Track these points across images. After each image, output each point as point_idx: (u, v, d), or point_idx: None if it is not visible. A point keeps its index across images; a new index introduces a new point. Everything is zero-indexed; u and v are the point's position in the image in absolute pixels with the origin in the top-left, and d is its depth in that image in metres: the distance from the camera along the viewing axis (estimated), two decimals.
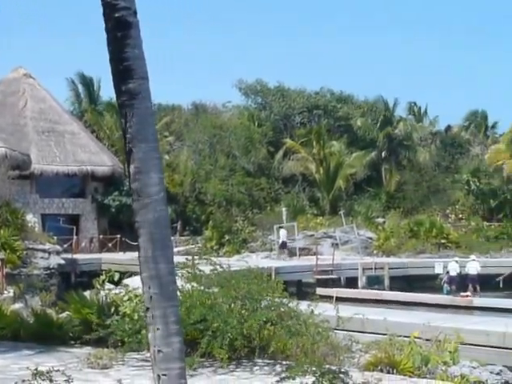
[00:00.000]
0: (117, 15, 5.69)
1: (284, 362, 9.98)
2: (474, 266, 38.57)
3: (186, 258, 13.00)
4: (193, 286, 11.89)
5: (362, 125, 62.63)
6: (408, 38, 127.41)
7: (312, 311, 10.32)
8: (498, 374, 11.88)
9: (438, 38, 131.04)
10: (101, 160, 49.63)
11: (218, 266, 12.13)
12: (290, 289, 31.82)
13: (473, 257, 40.11)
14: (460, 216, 53.26)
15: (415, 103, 69.41)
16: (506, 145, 55.85)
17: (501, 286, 41.02)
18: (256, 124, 63.22)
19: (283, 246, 45.23)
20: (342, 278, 40.80)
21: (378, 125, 61.81)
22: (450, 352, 11.91)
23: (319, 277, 39.00)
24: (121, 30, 5.68)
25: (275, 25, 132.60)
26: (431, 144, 65.39)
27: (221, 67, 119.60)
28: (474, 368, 11.77)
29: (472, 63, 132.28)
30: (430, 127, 68.24)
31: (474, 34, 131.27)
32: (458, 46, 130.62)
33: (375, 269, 40.79)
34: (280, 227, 46.66)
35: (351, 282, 39.98)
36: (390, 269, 40.85)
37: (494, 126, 70.24)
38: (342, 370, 7.77)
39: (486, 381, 11.30)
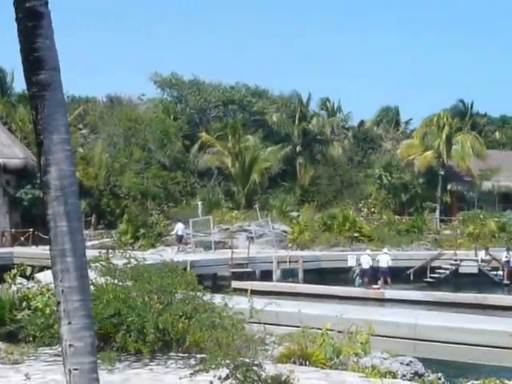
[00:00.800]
0: (28, 5, 5.60)
1: (198, 355, 9.99)
2: (385, 259, 39.34)
3: (100, 252, 12.87)
4: (107, 280, 11.78)
5: (277, 120, 63.04)
6: (323, 34, 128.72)
7: (226, 304, 10.36)
8: (407, 364, 12.13)
9: (353, 35, 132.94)
10: (13, 152, 48.63)
11: (132, 260, 12.05)
12: (206, 282, 31.86)
13: (385, 250, 40.91)
14: (372, 210, 54.21)
15: (328, 99, 70.25)
16: (419, 140, 57.09)
17: (411, 278, 41.96)
18: (171, 117, 62.92)
19: (180, 239, 45.01)
20: (256, 272, 41.04)
21: (293, 120, 62.32)
22: (362, 343, 12.13)
23: (234, 270, 39.14)
24: (32, 21, 5.59)
25: (191, 18, 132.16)
26: (344, 139, 66.30)
27: (136, 60, 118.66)
28: (385, 359, 12.00)
29: (384, 60, 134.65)
30: (342, 122, 69.19)
31: (389, 32, 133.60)
32: (373, 43, 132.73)
33: (290, 262, 41.16)
34: (178, 220, 46.62)
35: (266, 276, 40.26)
36: (304, 262, 41.28)
37: (407, 123, 71.66)
38: (256, 363, 7.83)
39: (397, 371, 11.53)
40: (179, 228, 45.14)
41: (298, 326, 13.03)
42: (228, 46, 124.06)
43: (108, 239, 46.97)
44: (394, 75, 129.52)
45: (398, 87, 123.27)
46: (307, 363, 10.65)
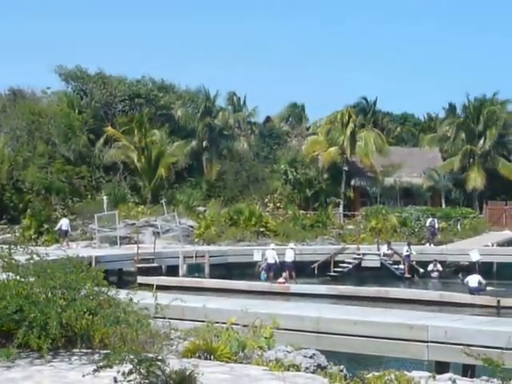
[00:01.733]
0: None
1: (103, 351, 9.92)
2: (290, 253, 39.81)
3: (1, 247, 12.61)
4: (8, 276, 11.56)
5: (182, 114, 62.81)
6: (230, 28, 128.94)
7: (131, 299, 10.31)
8: (311, 357, 12.31)
9: (259, 29, 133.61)
10: None
11: (34, 255, 11.85)
12: (111, 278, 31.55)
13: (291, 245, 41.39)
14: (278, 205, 54.71)
15: (235, 93, 70.42)
16: (321, 136, 57.89)
17: (315, 272, 42.58)
18: (76, 111, 61.92)
19: (65, 234, 44.37)
20: (163, 267, 40.89)
21: (199, 115, 62.23)
22: (266, 337, 12.26)
23: (140, 265, 38.89)
24: None
25: (97, 10, 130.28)
26: (251, 134, 66.63)
27: (40, 52, 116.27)
28: (289, 352, 12.15)
29: (293, 57, 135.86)
30: (249, 118, 69.50)
31: (295, 29, 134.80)
32: (277, 39, 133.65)
33: (196, 257, 41.19)
34: (63, 216, 46.18)
35: (172, 271, 40.17)
36: (210, 257, 41.36)
37: (312, 121, 72.45)
38: (159, 358, 7.85)
39: (300, 364, 11.68)
40: (63, 223, 44.52)
41: (204, 321, 13.07)
42: (134, 40, 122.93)
43: (10, 234, 45.97)
44: (301, 72, 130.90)
45: (304, 84, 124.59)
46: (212, 357, 10.70)
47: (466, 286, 34.85)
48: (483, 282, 35.75)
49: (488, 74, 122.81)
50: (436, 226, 48.33)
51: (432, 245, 47.13)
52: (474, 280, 35.39)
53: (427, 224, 48.67)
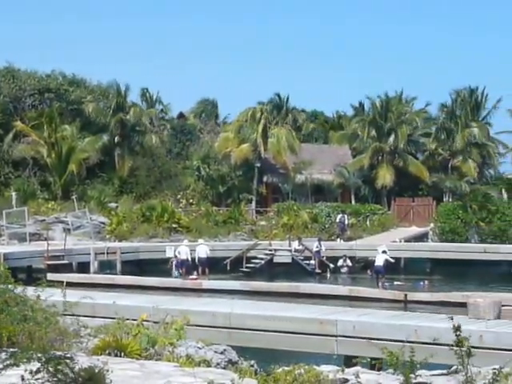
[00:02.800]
0: None
1: (10, 350, 9.75)
2: (203, 249, 39.85)
3: None
4: None
5: (93, 109, 62.00)
6: (141, 23, 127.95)
7: (38, 296, 10.17)
8: (221, 353, 12.41)
9: (170, 26, 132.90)
10: None
11: None
12: (20, 275, 30.99)
13: (201, 240, 41.43)
14: (190, 201, 54.58)
15: (147, 89, 69.95)
16: (233, 133, 58.03)
17: (228, 268, 42.73)
18: None
19: None
20: (73, 264, 40.32)
21: (111, 110, 61.54)
22: (177, 333, 12.29)
23: (50, 262, 38.26)
24: None
25: (5, 1, 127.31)
26: (163, 130, 66.29)
27: None
28: (200, 348, 12.22)
29: (205, 53, 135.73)
30: (161, 114, 69.11)
31: (208, 26, 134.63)
32: (196, 36, 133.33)
33: (107, 253, 40.78)
34: None
35: (83, 267, 39.69)
36: (122, 253, 41.02)
37: (225, 117, 72.49)
38: (68, 355, 7.77)
39: (211, 360, 11.76)
40: None
41: (114, 318, 13.01)
42: (44, 33, 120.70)
43: None
44: (214, 68, 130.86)
45: (217, 80, 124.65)
46: (122, 354, 10.66)
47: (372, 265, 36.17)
48: (391, 260, 36.63)
49: (398, 72, 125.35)
50: (346, 222, 49.08)
51: (342, 240, 47.85)
52: (380, 259, 36.20)
53: (337, 220, 49.40)
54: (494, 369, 7.06)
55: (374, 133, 59.04)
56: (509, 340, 15.52)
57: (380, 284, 35.36)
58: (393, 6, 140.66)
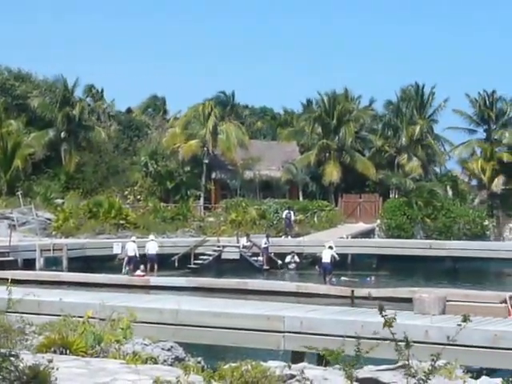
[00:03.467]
0: None
1: None
2: (153, 245, 39.67)
3: None
4: None
5: (39, 104, 61.19)
6: (88, 19, 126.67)
7: None
8: (168, 350, 12.36)
9: (118, 23, 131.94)
10: None
11: None
12: None
13: (151, 237, 41.22)
14: (138, 197, 54.27)
15: (93, 85, 69.30)
16: (181, 129, 57.80)
17: (176, 265, 42.59)
18: None
19: None
20: (19, 260, 39.73)
21: (58, 105, 60.81)
22: (123, 330, 12.21)
23: None
24: None
25: None
26: (110, 126, 65.74)
27: None
28: (147, 345, 12.16)
29: (152, 49, 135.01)
30: (108, 109, 68.53)
31: (155, 22, 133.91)
32: (139, 32, 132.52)
33: (53, 250, 40.32)
34: None
35: (29, 264, 39.15)
36: (68, 250, 40.59)
37: (176, 113, 72.03)
38: (12, 353, 7.68)
39: (158, 357, 11.71)
40: None
41: (60, 315, 12.89)
42: None
43: None
44: (162, 65, 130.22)
45: (166, 76, 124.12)
46: (68, 352, 10.56)
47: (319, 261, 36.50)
48: (336, 256, 36.96)
49: (348, 69, 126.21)
50: (292, 218, 49.26)
51: (290, 237, 48.05)
52: (327, 255, 36.48)
53: (283, 216, 49.58)
54: (432, 359, 7.15)
55: (320, 130, 59.33)
56: (453, 335, 15.75)
57: (327, 280, 35.60)
58: (337, 2, 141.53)
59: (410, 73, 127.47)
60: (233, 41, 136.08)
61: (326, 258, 36.53)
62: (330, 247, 37.36)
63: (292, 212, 49.69)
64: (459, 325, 7.52)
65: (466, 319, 7.41)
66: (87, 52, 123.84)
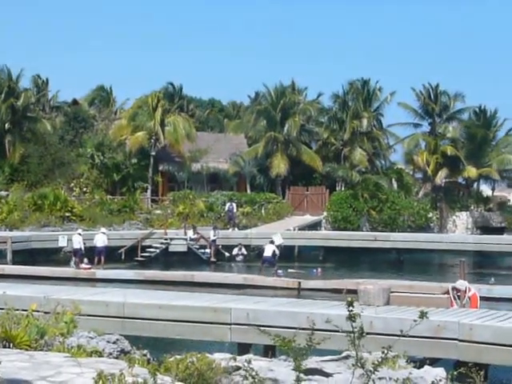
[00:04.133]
0: None
1: None
2: (101, 238, 39.37)
3: None
4: None
5: None
6: (38, 10, 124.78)
7: None
8: (114, 342, 12.30)
9: (65, 12, 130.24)
10: None
11: None
12: None
13: (103, 229, 40.83)
14: (84, 189, 53.75)
15: (39, 76, 68.31)
16: (128, 121, 57.39)
17: (123, 257, 42.34)
18: None
19: None
20: None
21: (1, 96, 59.84)
22: (66, 322, 12.12)
23: None
24: None
25: None
26: (56, 117, 64.94)
27: None
28: (92, 338, 12.08)
29: (97, 40, 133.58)
30: (54, 100, 67.69)
31: (101, 13, 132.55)
32: (83, 22, 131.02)
33: None
34: None
35: None
36: (13, 242, 40.04)
37: (122, 103, 71.37)
38: None
39: (103, 350, 11.66)
40: None
41: (3, 308, 12.74)
42: None
43: None
44: (108, 55, 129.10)
45: (112, 68, 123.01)
46: (11, 345, 10.45)
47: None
48: (277, 253, 37.31)
49: (296, 62, 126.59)
50: (234, 210, 49.25)
51: (236, 229, 48.10)
52: (269, 250, 36.83)
53: (226, 209, 49.61)
54: (383, 351, 7.26)
55: (267, 122, 59.43)
56: (396, 325, 15.98)
57: (273, 272, 35.75)
58: None
59: (359, 66, 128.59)
60: (182, 32, 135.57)
61: (268, 252, 37.10)
62: (272, 242, 37.87)
63: (234, 204, 49.74)
64: (415, 320, 7.64)
65: (422, 315, 7.52)
66: (33, 42, 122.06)
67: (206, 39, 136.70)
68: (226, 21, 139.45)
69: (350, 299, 7.42)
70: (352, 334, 7.21)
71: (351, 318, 7.12)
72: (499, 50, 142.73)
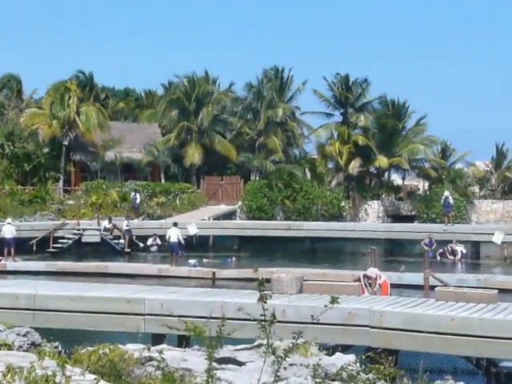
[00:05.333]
0: None
1: None
2: (9, 229, 38.59)
3: None
4: None
5: None
6: None
7: None
8: (24, 335, 12.17)
9: None
10: None
11: None
12: None
13: (8, 220, 40.04)
14: None
15: None
16: (40, 110, 56.29)
17: (34, 249, 41.61)
18: None
19: None
20: None
21: None
22: None
23: None
24: None
25: None
26: None
27: None
28: (1, 331, 11.91)
29: (6, 26, 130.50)
30: None
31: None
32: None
33: None
34: None
35: None
36: None
37: (32, 92, 69.86)
38: None
39: (13, 343, 11.50)
40: None
41: None
42: None
43: None
44: (18, 42, 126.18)
45: (21, 55, 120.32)
46: None
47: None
48: (182, 241, 37.21)
49: (206, 51, 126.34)
50: (138, 200, 48.70)
51: (140, 218, 47.75)
52: (173, 235, 36.48)
53: (131, 198, 49.12)
54: (293, 337, 7.38)
55: (180, 112, 59.17)
56: (308, 312, 16.21)
57: (180, 254, 35.90)
58: None
59: (273, 55, 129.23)
60: (95, 19, 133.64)
61: (173, 237, 36.67)
62: (175, 224, 37.48)
63: (138, 195, 49.28)
64: (326, 306, 7.77)
65: (333, 301, 7.66)
66: None
67: (123, 29, 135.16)
68: (139, 9, 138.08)
69: (261, 279, 7.50)
70: (263, 322, 7.30)
71: (262, 298, 7.20)
72: (414, 43, 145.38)
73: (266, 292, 7.38)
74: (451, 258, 40.77)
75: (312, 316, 8.09)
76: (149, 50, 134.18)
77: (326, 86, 61.24)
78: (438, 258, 40.78)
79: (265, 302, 7.22)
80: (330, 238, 46.46)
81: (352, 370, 7.57)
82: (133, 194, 49.20)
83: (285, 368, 7.30)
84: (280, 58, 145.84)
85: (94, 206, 47.91)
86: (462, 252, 41.00)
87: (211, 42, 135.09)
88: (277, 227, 47.48)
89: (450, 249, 41.18)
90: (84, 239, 43.53)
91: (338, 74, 61.15)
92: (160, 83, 68.96)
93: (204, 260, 38.03)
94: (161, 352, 7.59)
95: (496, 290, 18.88)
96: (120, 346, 10.66)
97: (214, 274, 32.46)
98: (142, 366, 9.74)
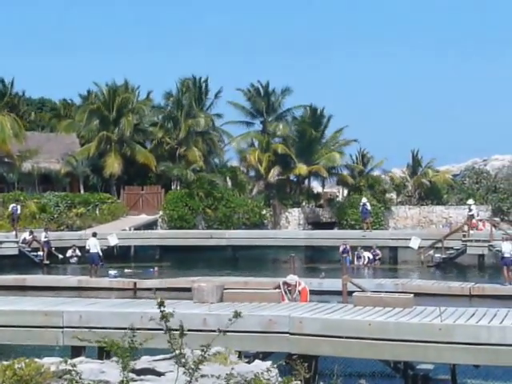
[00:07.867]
0: None
1: None
2: None
3: None
4: None
5: None
6: None
7: None
8: None
9: None
10: None
11: None
12: None
13: None
14: None
15: None
16: None
17: None
18: None
19: None
20: None
21: None
22: None
23: None
24: None
25: None
26: None
27: None
28: None
29: None
30: None
31: None
32: None
33: None
34: None
35: None
36: None
37: None
38: None
39: None
40: None
41: None
42: None
43: None
44: None
45: None
46: None
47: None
48: (100, 252, 36.40)
49: (124, 61, 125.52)
50: (18, 212, 46.24)
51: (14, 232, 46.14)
52: (92, 245, 35.58)
53: (9, 209, 47.27)
54: (202, 349, 7.43)
55: (100, 121, 58.58)
56: (229, 322, 16.28)
57: (100, 265, 35.29)
58: None
59: (193, 64, 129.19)
60: (13, 29, 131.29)
61: (93, 248, 34.83)
62: (94, 234, 36.75)
63: (18, 206, 46.71)
64: (235, 315, 7.86)
65: (237, 315, 7.77)
66: None
67: (37, 37, 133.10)
68: (55, 17, 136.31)
69: (160, 300, 7.59)
70: (174, 333, 7.36)
71: (164, 317, 7.28)
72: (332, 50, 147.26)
73: (167, 311, 7.45)
74: (357, 263, 41.42)
75: (218, 329, 8.17)
76: (65, 60, 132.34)
77: (242, 95, 61.63)
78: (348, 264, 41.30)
79: (168, 321, 7.32)
80: (252, 246, 46.72)
81: (268, 378, 7.65)
82: (13, 205, 46.72)
83: (196, 379, 7.36)
84: (199, 66, 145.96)
85: (11, 218, 46.91)
86: (368, 258, 41.69)
87: (129, 50, 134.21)
88: (198, 236, 47.49)
89: (356, 255, 41.90)
90: (1, 252, 42.65)
91: (258, 81, 61.60)
92: (78, 93, 67.97)
93: (125, 270, 37.77)
94: (74, 365, 7.52)
95: (412, 294, 19.30)
96: (36, 359, 10.49)
97: (135, 284, 32.27)
98: (58, 380, 9.60)
